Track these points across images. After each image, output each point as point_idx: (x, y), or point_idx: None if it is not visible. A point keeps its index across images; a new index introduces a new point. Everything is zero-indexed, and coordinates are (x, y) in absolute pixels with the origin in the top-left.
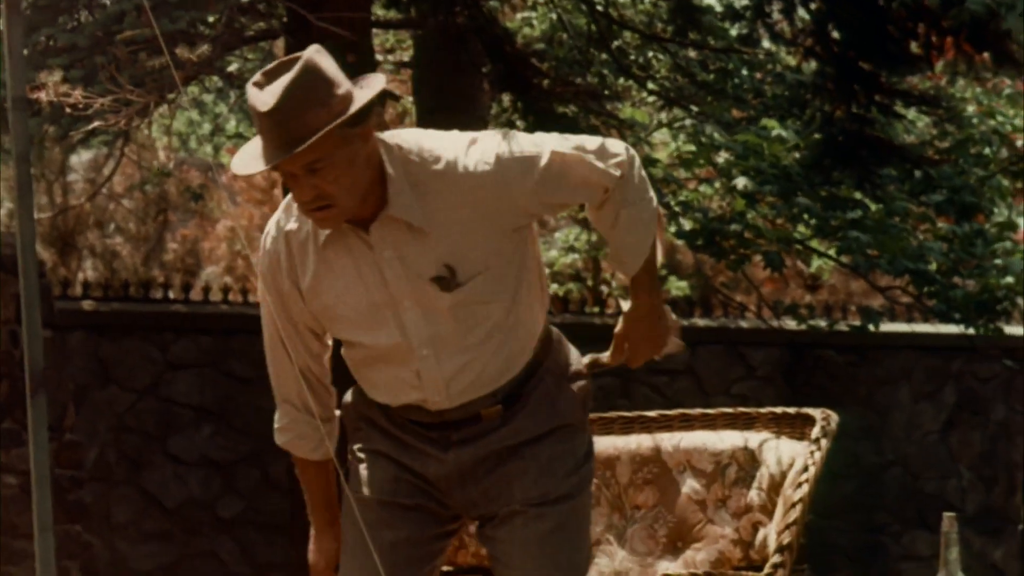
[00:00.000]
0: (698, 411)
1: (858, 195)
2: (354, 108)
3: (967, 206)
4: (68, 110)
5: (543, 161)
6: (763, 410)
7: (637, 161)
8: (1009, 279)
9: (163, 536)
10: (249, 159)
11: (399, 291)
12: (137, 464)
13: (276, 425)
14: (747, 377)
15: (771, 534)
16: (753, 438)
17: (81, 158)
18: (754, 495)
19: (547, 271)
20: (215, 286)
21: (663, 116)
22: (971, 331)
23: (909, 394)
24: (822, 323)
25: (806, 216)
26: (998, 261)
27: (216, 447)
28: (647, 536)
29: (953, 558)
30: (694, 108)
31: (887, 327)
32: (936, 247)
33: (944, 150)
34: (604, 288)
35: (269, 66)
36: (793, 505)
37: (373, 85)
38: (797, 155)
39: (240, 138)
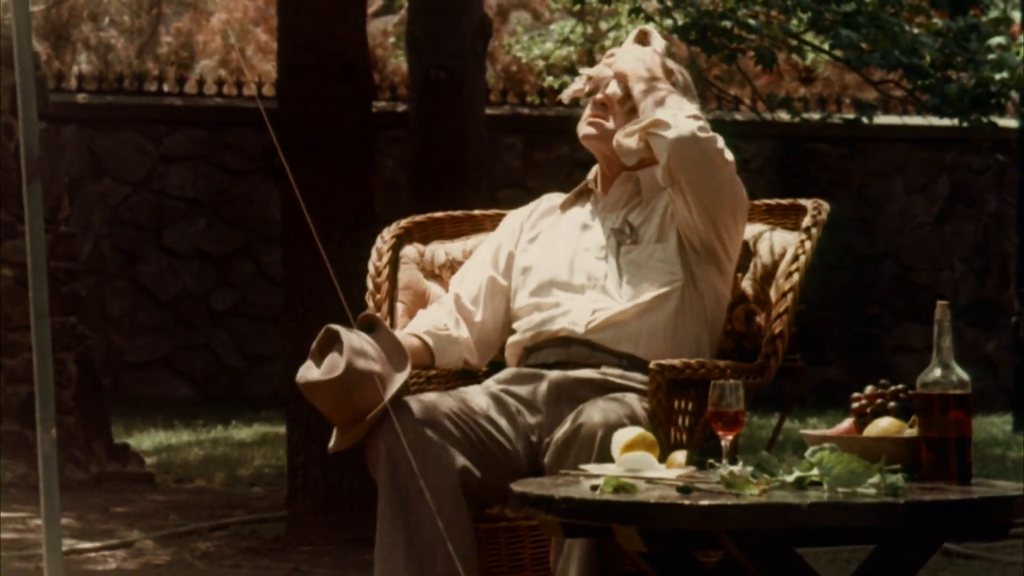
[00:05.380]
0: None
1: None
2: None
3: None
4: None
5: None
6: (757, 202)
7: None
8: (1004, 74)
9: (157, 328)
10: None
11: (599, 241)
12: (131, 257)
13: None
14: (740, 170)
15: (763, 323)
16: (747, 230)
17: None
18: (747, 285)
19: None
20: (209, 79)
21: None
22: (964, 125)
23: (902, 186)
24: (816, 116)
25: (799, 10)
26: (992, 56)
27: (209, 240)
28: None
29: (946, 346)
30: None
31: (880, 120)
32: (930, 41)
33: None
34: None
35: None
36: (784, 294)
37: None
38: None
39: None
